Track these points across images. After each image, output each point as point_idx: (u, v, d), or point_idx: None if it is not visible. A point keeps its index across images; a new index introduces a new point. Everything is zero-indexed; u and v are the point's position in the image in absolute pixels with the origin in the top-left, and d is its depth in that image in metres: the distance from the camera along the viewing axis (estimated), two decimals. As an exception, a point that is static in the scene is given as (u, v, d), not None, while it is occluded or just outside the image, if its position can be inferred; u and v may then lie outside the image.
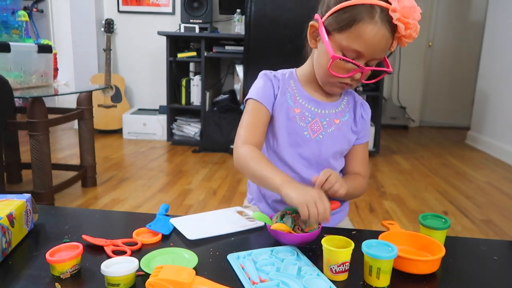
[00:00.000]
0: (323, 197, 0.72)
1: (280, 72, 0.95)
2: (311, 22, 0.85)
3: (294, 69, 0.96)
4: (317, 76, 0.88)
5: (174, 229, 0.80)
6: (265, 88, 0.91)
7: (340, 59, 0.79)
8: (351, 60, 0.78)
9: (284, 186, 0.74)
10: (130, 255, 0.66)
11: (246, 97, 0.92)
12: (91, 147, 2.36)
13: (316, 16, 0.84)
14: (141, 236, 0.76)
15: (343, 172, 0.98)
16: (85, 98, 2.30)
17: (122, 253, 0.69)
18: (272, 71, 0.95)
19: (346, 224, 1.03)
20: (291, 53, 0.95)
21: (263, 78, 0.93)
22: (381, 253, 0.61)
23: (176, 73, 3.51)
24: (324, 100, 0.92)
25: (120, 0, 3.89)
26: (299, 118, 0.89)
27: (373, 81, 0.87)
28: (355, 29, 0.76)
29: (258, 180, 0.85)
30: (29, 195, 0.77)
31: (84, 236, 0.72)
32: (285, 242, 0.73)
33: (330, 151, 0.91)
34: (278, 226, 0.73)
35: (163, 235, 0.76)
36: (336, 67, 0.81)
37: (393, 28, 0.77)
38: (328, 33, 0.80)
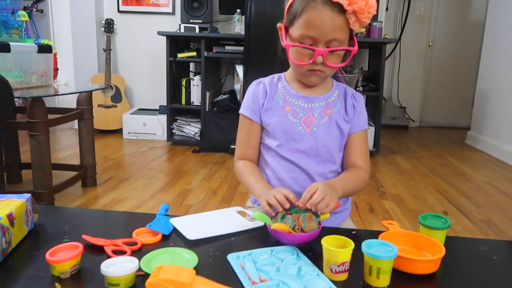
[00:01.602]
0: (282, 189, 0.81)
1: (269, 77, 1.01)
2: (278, 25, 0.92)
3: (283, 73, 1.01)
4: (294, 71, 0.95)
5: (174, 229, 0.80)
6: (251, 101, 0.98)
7: (293, 46, 0.86)
8: (303, 45, 0.84)
9: (260, 195, 0.84)
10: (130, 255, 0.66)
11: (240, 110, 1.00)
12: (91, 147, 2.36)
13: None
14: (141, 236, 0.76)
15: (343, 164, 0.99)
16: (85, 98, 2.30)
17: (122, 253, 0.69)
18: (262, 78, 1.01)
19: (348, 224, 1.03)
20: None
21: (250, 89, 1.00)
22: (381, 253, 0.61)
23: (176, 73, 3.51)
24: (313, 94, 0.96)
25: (120, 0, 3.89)
26: (291, 115, 0.94)
27: (346, 62, 0.89)
28: (302, 17, 0.83)
29: (248, 189, 0.95)
30: (29, 195, 0.77)
31: (84, 236, 0.72)
32: (285, 242, 0.73)
33: (326, 141, 0.94)
34: (278, 226, 0.74)
35: (163, 235, 0.76)
36: (297, 55, 0.87)
37: (339, 8, 0.81)
38: (287, 30, 0.89)
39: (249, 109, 0.98)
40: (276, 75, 1.01)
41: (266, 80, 1.00)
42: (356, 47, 0.88)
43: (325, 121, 0.94)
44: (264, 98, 0.96)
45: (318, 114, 0.94)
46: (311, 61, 0.85)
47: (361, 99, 0.99)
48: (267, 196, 0.80)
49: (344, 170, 0.99)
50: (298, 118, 0.93)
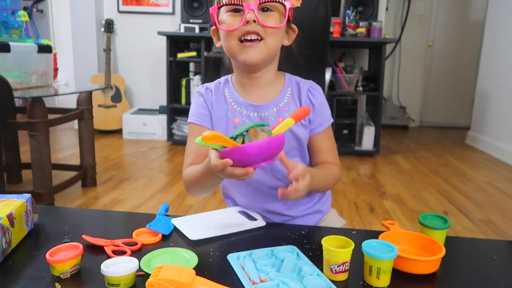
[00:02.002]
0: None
1: (215, 82, 0.92)
2: (212, 29, 0.87)
3: (230, 76, 0.93)
4: (228, 53, 0.84)
5: (174, 229, 0.80)
6: (198, 107, 0.89)
7: (220, 6, 0.80)
8: (228, 2, 0.77)
9: (207, 167, 0.75)
10: (130, 255, 0.66)
11: (188, 119, 0.91)
12: (91, 147, 2.36)
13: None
14: (141, 236, 0.76)
15: (312, 165, 0.93)
16: (85, 98, 2.30)
17: (122, 253, 0.69)
18: (206, 84, 0.92)
19: (334, 218, 0.99)
20: (290, 53, 0.94)
21: (195, 96, 0.91)
22: (381, 253, 0.61)
23: (176, 73, 3.51)
24: (263, 101, 0.87)
25: (120, 0, 3.89)
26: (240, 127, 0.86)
27: (285, 21, 0.80)
28: None
29: (203, 179, 0.81)
30: (29, 195, 0.77)
31: (84, 236, 0.72)
32: (240, 159, 0.65)
33: (285, 152, 0.85)
34: (212, 136, 0.63)
35: (163, 235, 0.76)
36: (226, 24, 0.79)
37: None
38: (218, 12, 0.82)
39: (197, 116, 0.88)
40: (223, 79, 0.92)
41: (212, 86, 0.91)
42: (290, 3, 0.79)
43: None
44: (212, 107, 0.88)
45: (270, 125, 0.82)
46: (242, 22, 0.76)
47: (319, 93, 0.90)
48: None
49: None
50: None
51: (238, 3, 0.77)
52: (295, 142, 0.88)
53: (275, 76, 0.90)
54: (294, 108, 0.87)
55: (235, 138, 0.67)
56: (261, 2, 0.77)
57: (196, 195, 0.90)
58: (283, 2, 0.79)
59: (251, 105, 0.87)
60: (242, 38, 0.79)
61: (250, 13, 0.76)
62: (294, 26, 0.87)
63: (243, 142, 0.66)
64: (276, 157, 0.68)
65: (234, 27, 0.77)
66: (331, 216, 0.99)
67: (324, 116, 0.90)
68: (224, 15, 0.80)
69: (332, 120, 0.92)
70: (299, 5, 0.81)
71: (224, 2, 0.79)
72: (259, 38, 0.79)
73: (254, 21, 0.77)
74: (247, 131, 0.66)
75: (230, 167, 0.65)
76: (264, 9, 0.79)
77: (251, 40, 0.79)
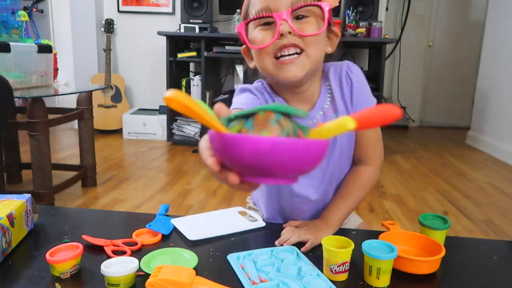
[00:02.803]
0: None
1: (259, 85, 0.81)
2: (242, 48, 0.79)
3: (263, 81, 0.81)
4: (267, 76, 0.75)
5: (174, 229, 0.80)
6: (249, 100, 0.77)
7: (247, 23, 0.70)
8: (259, 16, 0.67)
9: None
10: (130, 255, 0.66)
11: (231, 107, 0.76)
12: (91, 147, 2.36)
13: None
14: (141, 236, 0.76)
15: (353, 162, 0.84)
16: (85, 98, 2.30)
17: (122, 253, 0.69)
18: (252, 85, 0.81)
19: (356, 219, 0.98)
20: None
21: (246, 92, 0.79)
22: (381, 253, 0.61)
23: (176, 73, 3.51)
24: (307, 107, 0.78)
25: (120, 0, 3.89)
26: None
27: (325, 27, 0.69)
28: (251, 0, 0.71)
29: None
30: (29, 195, 0.77)
31: (84, 236, 0.72)
32: (226, 156, 0.39)
33: (334, 161, 0.78)
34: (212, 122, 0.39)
35: (163, 235, 0.76)
36: (257, 41, 0.69)
37: None
38: (246, 30, 0.73)
39: (246, 106, 0.74)
40: (259, 84, 0.81)
41: (258, 94, 0.79)
42: (327, 4, 0.68)
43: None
44: None
45: (309, 120, 0.77)
46: (275, 36, 0.66)
47: (357, 74, 0.78)
48: None
49: (348, 171, 0.85)
50: None
51: (267, 14, 0.66)
52: (345, 140, 0.77)
53: (320, 84, 0.78)
54: (339, 106, 0.76)
55: (231, 120, 0.41)
56: (293, 9, 0.66)
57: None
58: (320, 4, 0.67)
59: None
60: (278, 55, 0.68)
61: (283, 24, 0.65)
62: (335, 29, 0.75)
63: (240, 130, 0.40)
64: (300, 174, 0.41)
65: (267, 43, 0.67)
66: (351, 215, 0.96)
67: (367, 98, 0.78)
68: (254, 32, 0.70)
69: (375, 102, 0.78)
70: (337, 4, 0.71)
71: (251, 17, 0.69)
72: (298, 51, 0.68)
73: (290, 32, 0.66)
74: (253, 114, 0.40)
75: (210, 158, 0.41)
76: (298, 17, 0.68)
77: (288, 55, 0.68)
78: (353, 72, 0.78)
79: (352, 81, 0.77)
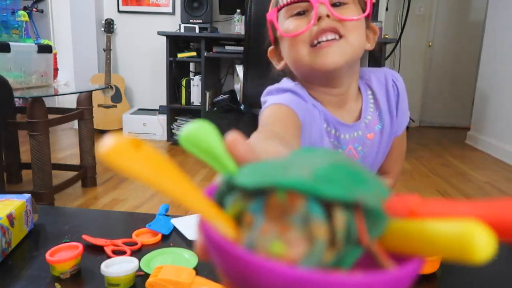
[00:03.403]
0: None
1: (297, 85, 0.68)
2: (269, 50, 0.72)
3: (297, 82, 0.69)
4: (303, 69, 0.66)
5: (174, 229, 0.80)
6: (294, 101, 0.64)
7: (280, 8, 0.63)
8: (290, 1, 0.61)
9: None
10: (130, 255, 0.66)
11: (265, 105, 0.65)
12: (91, 147, 2.36)
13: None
14: (141, 236, 0.76)
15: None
16: (85, 98, 2.30)
17: (122, 253, 0.68)
18: (290, 85, 0.68)
19: None
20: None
21: (289, 93, 0.66)
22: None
23: (176, 73, 3.51)
24: (350, 117, 0.69)
25: (120, 0, 3.89)
26: None
27: (368, 11, 0.63)
28: None
29: None
30: (29, 195, 0.77)
31: (84, 236, 0.72)
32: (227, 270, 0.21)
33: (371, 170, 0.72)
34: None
35: (162, 235, 0.76)
36: (294, 27, 0.62)
37: None
38: (277, 17, 0.66)
39: (290, 103, 0.63)
40: (292, 85, 0.68)
41: (303, 95, 0.66)
42: None
43: (366, 150, 0.70)
44: (309, 124, 0.64)
45: (361, 146, 0.70)
46: (313, 21, 0.59)
47: (402, 84, 0.73)
48: None
49: None
50: None
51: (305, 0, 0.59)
52: (382, 159, 0.73)
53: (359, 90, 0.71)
54: (384, 115, 0.69)
55: (223, 196, 0.23)
56: None
57: None
58: None
59: (341, 123, 0.67)
60: (315, 42, 0.60)
61: (320, 6, 0.58)
62: (374, 25, 0.69)
63: (238, 218, 0.21)
64: None
65: (302, 29, 0.60)
66: None
67: (406, 114, 0.74)
68: (286, 22, 0.63)
69: (408, 119, 0.75)
70: None
71: (285, 2, 0.62)
72: (337, 37, 0.60)
73: (328, 15, 0.59)
74: (267, 192, 0.20)
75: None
76: (335, 4, 0.61)
77: (327, 40, 0.60)
78: (399, 81, 0.73)
79: (399, 91, 0.72)
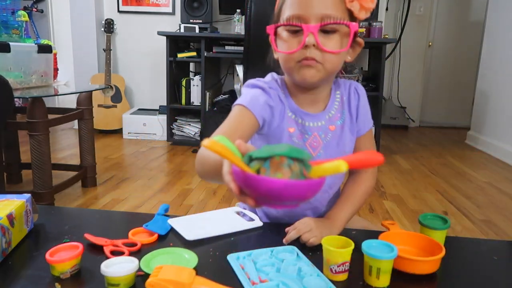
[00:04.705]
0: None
1: (272, 82, 0.83)
2: (270, 39, 0.82)
3: (282, 77, 0.86)
4: (285, 71, 0.80)
5: (172, 229, 0.79)
6: (259, 100, 0.79)
7: (277, 27, 0.76)
8: (289, 23, 0.73)
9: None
10: (128, 256, 0.66)
11: (235, 103, 0.82)
12: (91, 147, 2.36)
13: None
14: (137, 236, 0.75)
15: (350, 170, 0.88)
16: (85, 98, 2.30)
17: (121, 253, 0.68)
18: (265, 82, 0.83)
19: (358, 219, 0.98)
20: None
21: (259, 90, 0.81)
22: (381, 253, 0.61)
23: (176, 73, 3.51)
24: (317, 110, 0.84)
25: (120, 0, 3.89)
26: (296, 137, 0.82)
27: (348, 46, 0.75)
28: (285, 2, 0.76)
29: (211, 172, 0.66)
30: (29, 195, 0.77)
31: (86, 235, 0.72)
32: (249, 189, 0.49)
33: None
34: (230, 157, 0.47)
35: (159, 235, 0.76)
36: (284, 45, 0.75)
37: None
38: (276, 31, 0.78)
39: (252, 103, 0.79)
40: (277, 78, 0.86)
41: (272, 85, 0.83)
42: (356, 24, 0.73)
43: (329, 139, 0.83)
44: (273, 109, 0.80)
45: (324, 134, 0.83)
46: (300, 45, 0.71)
47: (363, 93, 0.88)
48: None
49: (348, 177, 0.91)
50: (303, 140, 0.82)
51: (297, 24, 0.72)
52: (347, 147, 0.85)
53: (331, 90, 0.86)
54: (345, 114, 0.85)
55: (253, 159, 0.49)
56: (322, 24, 0.71)
57: (203, 178, 0.76)
58: (349, 24, 0.72)
59: (307, 113, 0.82)
60: (298, 59, 0.75)
61: (309, 36, 0.71)
62: (360, 40, 0.80)
63: (258, 171, 0.48)
64: (302, 202, 0.50)
65: (293, 49, 0.73)
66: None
67: (367, 118, 0.88)
68: (284, 33, 0.76)
69: (372, 123, 0.90)
70: (367, 16, 0.76)
71: (282, 22, 0.75)
72: (316, 60, 0.74)
73: (314, 45, 0.72)
74: (270, 157, 0.49)
75: (233, 184, 0.49)
76: (325, 31, 0.73)
77: (306, 59, 0.74)
78: (361, 90, 0.88)
79: (359, 97, 0.87)
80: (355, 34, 0.75)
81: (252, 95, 0.81)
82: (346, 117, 0.86)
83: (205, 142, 0.46)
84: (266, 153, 0.48)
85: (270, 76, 0.87)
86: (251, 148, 0.50)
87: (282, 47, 0.76)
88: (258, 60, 2.77)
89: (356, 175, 0.91)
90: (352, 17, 0.75)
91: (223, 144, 0.47)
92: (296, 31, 0.74)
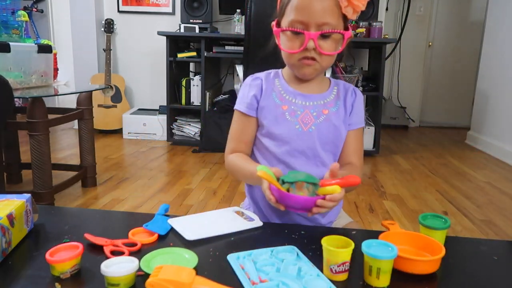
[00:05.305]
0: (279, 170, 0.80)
1: (264, 72, 0.98)
2: (272, 23, 0.92)
3: (280, 69, 0.99)
4: (287, 65, 0.92)
5: (172, 229, 0.79)
6: (247, 97, 0.95)
7: (282, 31, 0.86)
8: (292, 29, 0.83)
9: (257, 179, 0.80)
10: (128, 256, 0.66)
11: (234, 107, 0.97)
12: (91, 147, 2.36)
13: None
14: (137, 236, 0.75)
15: (338, 161, 0.97)
16: (85, 98, 2.30)
17: (120, 254, 0.68)
18: (256, 73, 0.98)
19: (345, 218, 1.01)
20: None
21: (246, 84, 0.97)
22: (381, 253, 0.61)
23: (176, 73, 3.51)
24: (311, 92, 0.94)
25: (120, 0, 3.89)
26: (288, 114, 0.91)
27: (341, 49, 0.87)
28: (291, 3, 0.84)
29: (246, 178, 0.94)
30: (29, 195, 0.77)
31: (86, 235, 0.72)
32: (281, 201, 0.76)
33: (323, 142, 0.91)
34: (265, 176, 0.75)
35: (159, 235, 0.76)
36: (288, 44, 0.86)
37: None
38: (279, 25, 0.88)
39: (244, 104, 0.95)
40: (272, 71, 0.99)
41: (262, 75, 0.97)
42: (349, 32, 0.85)
43: (321, 120, 0.91)
44: (260, 95, 0.94)
45: (316, 113, 0.91)
46: (302, 48, 0.83)
47: (360, 95, 0.98)
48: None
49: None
50: (295, 117, 0.91)
51: (299, 30, 0.83)
52: (338, 134, 0.93)
53: (329, 84, 0.98)
54: (339, 106, 0.95)
55: (284, 182, 0.78)
56: (321, 33, 0.82)
57: (236, 178, 1.01)
58: (343, 33, 0.85)
59: (300, 94, 0.93)
60: (299, 58, 0.86)
61: (310, 42, 0.82)
62: (350, 32, 0.90)
63: (288, 190, 0.76)
64: (309, 211, 0.76)
65: (295, 50, 0.85)
66: (342, 220, 1.02)
67: (359, 116, 0.97)
68: (287, 32, 0.86)
69: (364, 125, 1.02)
70: (355, 18, 0.87)
71: (286, 27, 0.85)
72: (315, 59, 0.86)
73: (314, 49, 0.83)
74: (295, 182, 0.77)
75: (272, 197, 0.76)
76: (323, 35, 0.83)
77: (306, 59, 0.86)
78: (358, 92, 0.98)
79: (356, 96, 0.97)
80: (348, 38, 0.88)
81: (241, 96, 0.97)
82: (340, 108, 0.94)
83: (260, 173, 0.73)
84: (293, 179, 0.77)
85: (266, 72, 0.99)
86: (281, 173, 0.79)
87: (286, 44, 0.87)
88: (258, 60, 2.77)
89: (349, 164, 0.96)
90: (345, 18, 0.85)
91: (267, 173, 0.75)
92: (298, 33, 0.84)
